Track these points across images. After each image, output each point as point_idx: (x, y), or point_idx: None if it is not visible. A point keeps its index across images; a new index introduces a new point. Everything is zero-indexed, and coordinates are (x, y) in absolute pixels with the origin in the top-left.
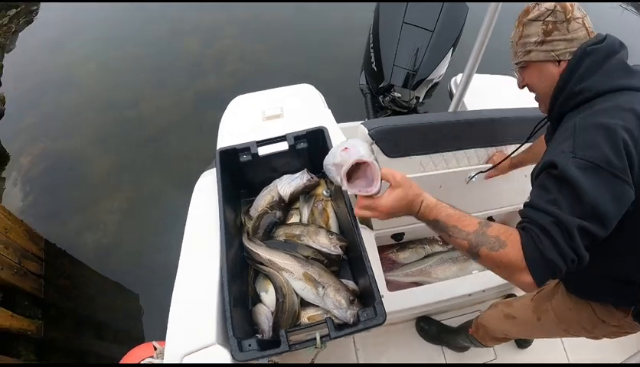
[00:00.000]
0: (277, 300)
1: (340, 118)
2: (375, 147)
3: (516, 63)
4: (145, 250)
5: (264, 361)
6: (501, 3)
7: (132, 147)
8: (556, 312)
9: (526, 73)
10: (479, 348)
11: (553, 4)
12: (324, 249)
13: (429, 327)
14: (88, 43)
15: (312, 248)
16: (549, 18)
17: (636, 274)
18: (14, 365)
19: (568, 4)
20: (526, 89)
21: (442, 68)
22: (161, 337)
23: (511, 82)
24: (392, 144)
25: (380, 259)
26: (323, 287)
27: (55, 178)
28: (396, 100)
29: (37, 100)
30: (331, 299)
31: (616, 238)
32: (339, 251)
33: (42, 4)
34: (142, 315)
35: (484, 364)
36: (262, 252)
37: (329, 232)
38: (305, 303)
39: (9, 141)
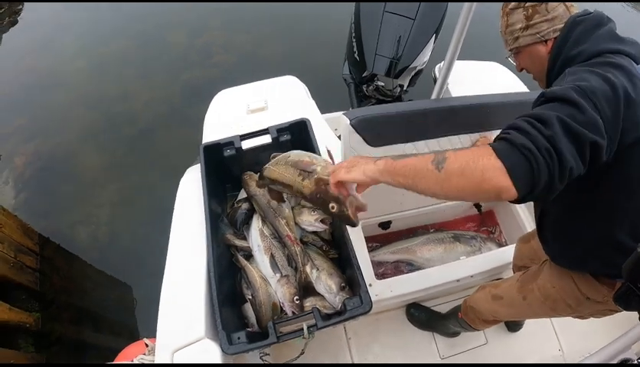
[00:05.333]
0: (251, 295)
1: (325, 108)
2: (357, 137)
3: (509, 50)
4: (137, 243)
5: (257, 357)
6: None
7: (121, 142)
8: (542, 291)
9: (519, 57)
10: (470, 332)
11: None
12: (309, 228)
13: (419, 314)
14: (74, 42)
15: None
16: (528, 4)
17: (619, 236)
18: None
19: None
20: (512, 74)
21: (425, 55)
22: (155, 328)
23: (496, 68)
24: (374, 133)
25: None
26: (317, 270)
27: (46, 175)
28: (380, 89)
29: (25, 100)
30: (323, 283)
31: (598, 195)
32: (322, 226)
33: (26, 4)
34: (136, 306)
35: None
36: (242, 242)
37: (311, 208)
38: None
39: None
